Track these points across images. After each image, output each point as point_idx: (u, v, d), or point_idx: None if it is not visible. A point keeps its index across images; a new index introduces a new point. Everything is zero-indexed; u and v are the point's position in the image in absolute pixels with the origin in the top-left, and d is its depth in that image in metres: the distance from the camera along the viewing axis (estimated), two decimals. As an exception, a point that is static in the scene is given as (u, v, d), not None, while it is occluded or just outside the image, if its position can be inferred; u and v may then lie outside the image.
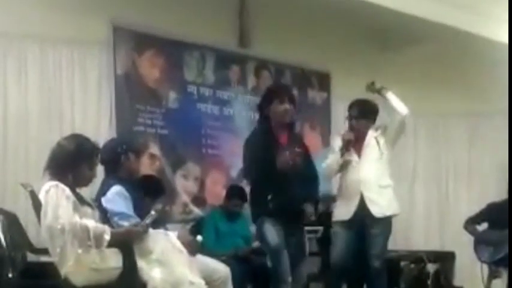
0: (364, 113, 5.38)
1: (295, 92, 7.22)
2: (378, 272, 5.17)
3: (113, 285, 3.75)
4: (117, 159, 4.45)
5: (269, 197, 4.68)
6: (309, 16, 6.86)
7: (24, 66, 5.57)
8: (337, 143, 5.28)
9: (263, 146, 4.75)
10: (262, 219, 4.77)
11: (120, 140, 4.97)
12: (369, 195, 5.24)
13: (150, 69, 6.24)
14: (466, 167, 8.51)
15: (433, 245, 7.79)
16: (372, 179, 5.29)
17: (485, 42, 7.21)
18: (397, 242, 7.81)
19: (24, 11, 5.51)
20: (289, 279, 4.67)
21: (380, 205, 5.26)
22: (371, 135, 5.36)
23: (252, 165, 4.81)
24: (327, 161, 5.26)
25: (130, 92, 6.09)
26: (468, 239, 6.86)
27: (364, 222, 5.19)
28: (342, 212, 5.26)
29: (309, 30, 7.13)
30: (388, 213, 5.32)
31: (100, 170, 4.32)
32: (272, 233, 4.71)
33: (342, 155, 5.20)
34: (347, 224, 5.23)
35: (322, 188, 5.36)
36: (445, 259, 7.03)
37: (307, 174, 4.89)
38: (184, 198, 6.29)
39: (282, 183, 4.65)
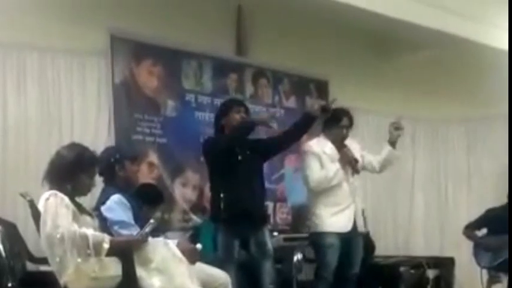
0: (352, 123, 5.48)
1: (293, 99, 7.32)
2: (355, 279, 5.46)
3: (112, 294, 3.76)
4: (111, 169, 4.45)
5: (222, 196, 4.94)
6: (306, 24, 6.88)
7: (23, 76, 5.58)
8: (327, 151, 5.41)
9: (220, 154, 5.03)
10: (218, 227, 5.04)
11: (114, 149, 4.92)
12: (356, 208, 5.46)
13: (148, 78, 6.25)
14: (465, 172, 8.52)
15: (433, 250, 7.79)
16: (357, 192, 5.54)
17: (483, 48, 7.22)
18: (397, 248, 7.85)
19: (22, 21, 5.52)
20: None
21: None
22: (356, 149, 5.53)
23: (211, 171, 5.17)
24: (327, 173, 5.33)
25: (128, 101, 6.10)
26: (468, 245, 6.87)
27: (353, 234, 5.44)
28: (338, 223, 5.35)
29: (307, 37, 7.15)
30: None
31: (100, 179, 4.34)
32: (223, 246, 4.98)
33: (344, 166, 5.39)
34: (343, 235, 5.31)
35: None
36: (445, 264, 7.03)
37: (261, 178, 5.24)
38: (184, 206, 6.29)
39: (236, 188, 4.95)
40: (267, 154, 5.40)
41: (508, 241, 6.21)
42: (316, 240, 5.45)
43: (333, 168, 5.35)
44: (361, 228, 5.53)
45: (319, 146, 5.44)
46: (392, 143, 5.56)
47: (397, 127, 5.52)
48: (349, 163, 5.42)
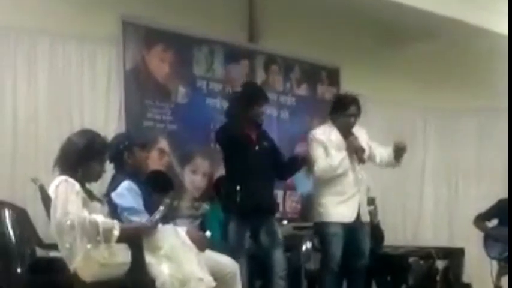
0: (360, 112, 5.44)
1: (304, 86, 7.30)
2: (363, 269, 5.45)
3: (121, 281, 3.77)
4: (120, 156, 4.44)
5: (238, 189, 4.99)
6: (318, 11, 6.84)
7: (34, 61, 5.56)
8: (333, 138, 5.39)
9: (237, 143, 5.08)
10: (230, 216, 5.09)
11: (123, 136, 4.91)
12: (361, 198, 5.42)
13: (159, 64, 6.22)
14: (475, 163, 8.47)
15: (443, 241, 7.77)
16: (364, 182, 5.50)
17: (495, 37, 7.17)
18: (406, 238, 7.83)
19: (34, 6, 5.51)
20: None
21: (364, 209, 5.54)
22: (363, 138, 5.47)
23: (226, 160, 5.23)
24: (332, 162, 5.32)
25: (139, 87, 6.08)
26: (478, 235, 6.85)
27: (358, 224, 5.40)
28: (342, 213, 5.33)
29: (318, 25, 7.11)
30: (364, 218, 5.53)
31: (110, 165, 4.34)
32: (234, 235, 5.02)
33: (350, 155, 5.35)
34: (347, 225, 5.30)
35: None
36: (455, 255, 6.99)
37: (272, 168, 5.27)
38: (193, 193, 6.29)
39: (251, 178, 5.00)
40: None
41: (508, 233, 6.19)
42: (321, 229, 5.43)
43: (338, 156, 5.31)
44: (365, 218, 5.48)
45: (325, 134, 5.40)
46: (397, 159, 5.48)
47: (400, 148, 5.41)
48: (355, 152, 5.37)
